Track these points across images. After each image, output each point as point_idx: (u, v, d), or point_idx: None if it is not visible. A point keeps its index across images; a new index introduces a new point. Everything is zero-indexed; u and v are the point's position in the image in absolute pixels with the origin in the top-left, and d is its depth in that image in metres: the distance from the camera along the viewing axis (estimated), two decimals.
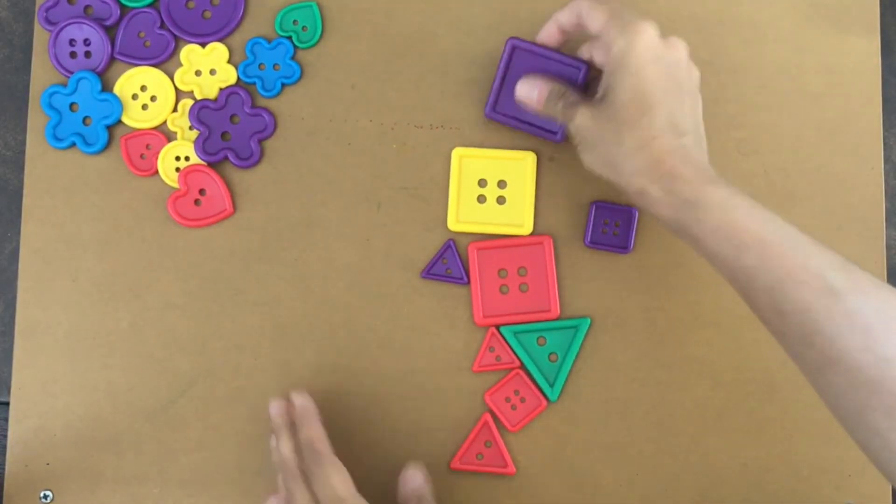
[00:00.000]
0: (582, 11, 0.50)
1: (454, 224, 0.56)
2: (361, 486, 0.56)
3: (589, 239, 0.55)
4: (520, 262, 0.55)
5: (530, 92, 0.52)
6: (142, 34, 0.58)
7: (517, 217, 0.56)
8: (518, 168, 0.56)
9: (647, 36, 0.47)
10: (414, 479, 0.50)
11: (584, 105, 0.50)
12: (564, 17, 0.52)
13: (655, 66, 0.47)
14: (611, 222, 0.55)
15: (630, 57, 0.47)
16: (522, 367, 0.55)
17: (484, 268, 0.56)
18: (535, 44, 0.54)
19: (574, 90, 0.51)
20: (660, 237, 0.56)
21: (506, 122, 0.55)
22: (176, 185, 0.57)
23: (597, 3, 0.50)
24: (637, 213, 0.55)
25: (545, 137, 0.55)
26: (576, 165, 0.56)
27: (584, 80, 0.53)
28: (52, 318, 0.57)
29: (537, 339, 0.55)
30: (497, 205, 0.56)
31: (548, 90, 0.52)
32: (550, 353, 0.55)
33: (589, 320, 0.55)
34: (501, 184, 0.56)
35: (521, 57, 0.54)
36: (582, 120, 0.49)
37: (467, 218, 0.56)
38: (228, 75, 0.57)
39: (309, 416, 0.50)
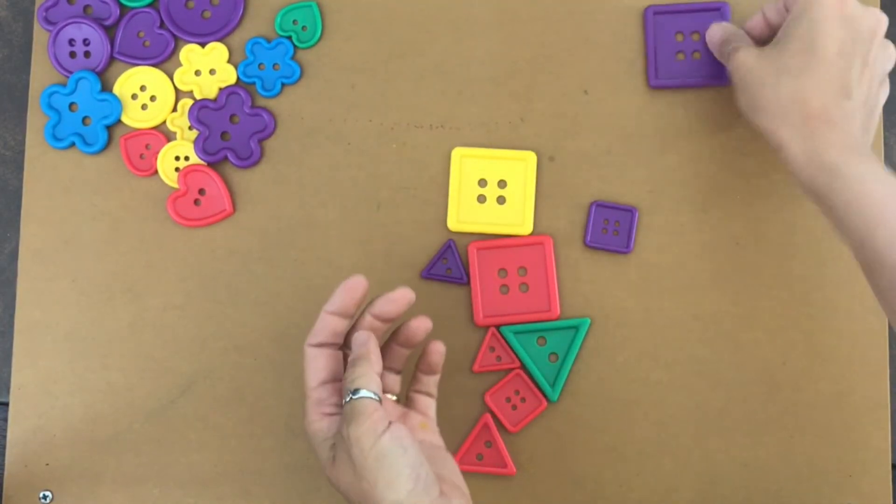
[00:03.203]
0: None
1: (454, 224, 0.56)
2: None
3: (589, 239, 0.55)
4: (520, 262, 0.55)
5: (714, 33, 0.53)
6: (141, 34, 0.58)
7: (517, 217, 0.56)
8: (518, 168, 0.56)
9: None
10: (355, 341, 0.46)
11: (750, 46, 0.50)
12: (770, 12, 0.52)
13: (838, 24, 0.47)
14: (611, 222, 0.55)
15: (814, 7, 0.47)
16: (522, 367, 0.55)
17: (484, 268, 0.56)
18: (669, 4, 0.56)
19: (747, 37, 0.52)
20: (660, 237, 0.56)
21: (672, 84, 0.56)
22: (175, 185, 0.57)
23: None
24: (637, 213, 0.55)
25: (713, 84, 0.56)
26: (576, 165, 0.56)
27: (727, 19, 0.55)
28: (52, 318, 0.57)
29: (537, 339, 0.55)
30: (497, 205, 0.56)
31: (725, 33, 0.52)
32: (550, 353, 0.55)
33: (589, 320, 0.55)
34: (501, 183, 0.56)
35: (661, 21, 0.56)
36: (745, 58, 0.49)
37: (467, 218, 0.56)
38: (228, 75, 0.57)
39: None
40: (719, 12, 0.56)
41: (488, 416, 0.55)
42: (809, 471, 0.54)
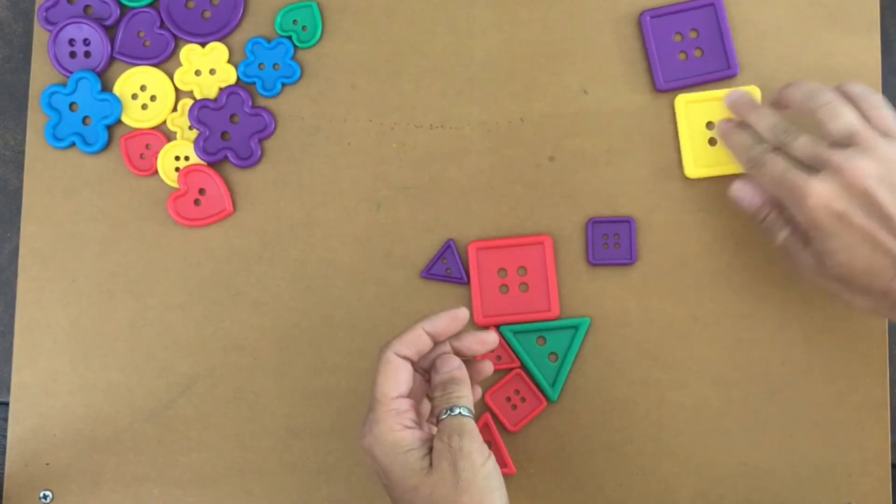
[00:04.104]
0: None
1: (691, 170, 0.55)
2: (364, 485, 0.56)
3: (592, 258, 0.55)
4: (520, 262, 0.55)
5: (747, 195, 0.51)
6: (141, 34, 0.58)
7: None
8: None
9: (820, 199, 0.46)
10: (449, 362, 0.48)
11: (807, 251, 0.49)
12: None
13: (845, 225, 0.46)
14: (610, 236, 0.55)
15: (818, 228, 0.47)
16: (522, 367, 0.55)
17: (484, 268, 0.56)
18: (663, 6, 0.56)
19: (779, 219, 0.50)
20: (660, 237, 0.56)
21: (679, 85, 0.56)
22: (176, 184, 0.57)
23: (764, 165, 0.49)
24: (635, 222, 0.55)
25: (721, 79, 0.56)
26: (576, 165, 0.56)
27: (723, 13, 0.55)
28: (52, 318, 0.57)
29: (537, 339, 0.55)
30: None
31: (760, 202, 0.51)
32: (550, 353, 0.55)
33: (589, 320, 0.55)
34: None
35: (659, 24, 0.56)
36: (807, 271, 0.49)
37: (705, 162, 0.55)
38: (228, 75, 0.57)
39: None
40: (713, 7, 0.56)
41: (488, 415, 0.55)
42: (809, 471, 0.54)
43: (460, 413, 0.45)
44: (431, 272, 0.56)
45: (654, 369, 0.55)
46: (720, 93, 0.55)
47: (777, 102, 0.52)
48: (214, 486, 0.56)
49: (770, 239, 0.51)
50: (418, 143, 0.57)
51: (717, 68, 0.56)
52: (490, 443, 0.55)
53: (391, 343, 0.47)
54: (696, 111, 0.56)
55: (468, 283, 0.56)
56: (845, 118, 0.48)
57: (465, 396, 0.46)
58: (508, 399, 0.55)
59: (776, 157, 0.49)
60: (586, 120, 0.57)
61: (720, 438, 0.55)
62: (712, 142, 0.56)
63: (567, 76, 0.57)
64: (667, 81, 0.56)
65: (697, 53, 0.56)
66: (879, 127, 0.48)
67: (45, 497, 0.56)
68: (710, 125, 0.56)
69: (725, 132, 0.53)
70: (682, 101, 0.56)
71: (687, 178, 0.56)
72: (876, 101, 0.49)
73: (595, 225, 0.55)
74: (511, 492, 0.55)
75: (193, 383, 0.56)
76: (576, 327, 0.55)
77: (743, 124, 0.53)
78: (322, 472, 0.56)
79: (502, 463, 0.55)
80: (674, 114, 0.56)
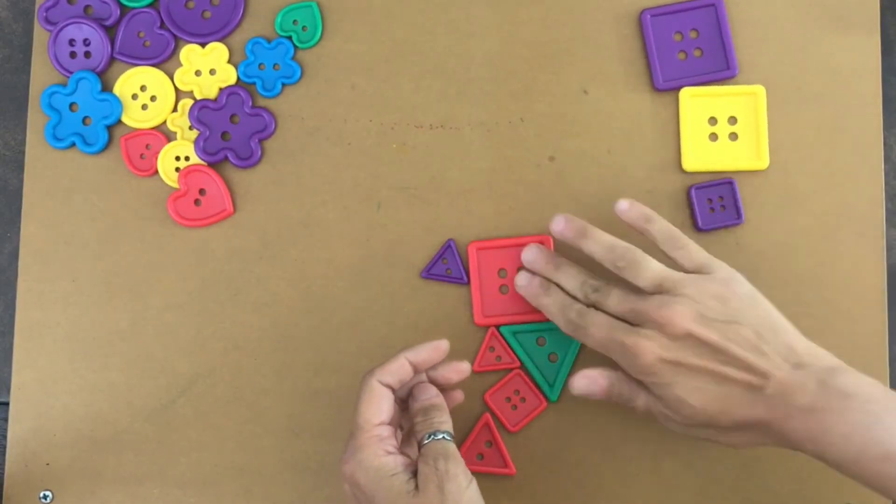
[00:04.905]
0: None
1: (690, 164, 0.55)
2: None
3: (700, 223, 0.55)
4: (519, 262, 0.55)
5: (589, 385, 0.50)
6: (141, 34, 0.58)
7: (753, 152, 0.56)
8: (748, 104, 0.56)
9: (651, 353, 0.46)
10: (427, 390, 0.50)
11: (666, 408, 0.48)
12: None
13: (683, 371, 0.46)
14: (714, 199, 0.55)
15: (660, 382, 0.47)
16: (522, 367, 0.55)
17: (484, 268, 0.56)
18: (663, 5, 0.56)
19: (631, 387, 0.49)
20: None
21: (678, 85, 0.56)
22: (176, 185, 0.57)
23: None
24: (736, 183, 0.55)
25: (720, 79, 0.56)
26: (576, 165, 0.57)
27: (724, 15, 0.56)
28: (52, 318, 0.57)
29: (537, 339, 0.55)
30: (730, 142, 0.56)
31: (607, 384, 0.50)
32: (550, 353, 0.55)
33: None
34: (732, 120, 0.56)
35: (659, 23, 0.56)
36: (675, 427, 0.49)
37: (704, 157, 0.55)
38: (228, 75, 0.57)
39: None
40: (714, 7, 0.56)
41: (488, 415, 0.55)
42: (809, 471, 0.54)
43: (444, 437, 0.46)
44: (431, 272, 0.56)
45: None
46: (724, 89, 0.56)
47: (566, 242, 0.52)
48: (214, 486, 0.56)
49: (631, 411, 0.50)
50: (418, 143, 0.57)
51: (717, 68, 0.56)
52: (490, 442, 0.55)
53: (374, 371, 0.48)
54: (700, 105, 0.56)
55: (468, 283, 0.56)
56: (649, 270, 0.48)
57: (446, 422, 0.48)
58: (508, 399, 0.55)
59: (598, 319, 0.49)
60: (586, 120, 0.57)
61: None
62: (713, 137, 0.56)
63: (567, 76, 0.57)
64: (666, 81, 0.56)
65: (697, 53, 0.56)
66: (686, 267, 0.49)
67: (45, 497, 0.56)
68: (711, 120, 0.56)
69: (534, 293, 0.52)
70: (687, 94, 0.56)
71: (686, 176, 0.56)
72: (676, 240, 0.49)
73: (698, 190, 0.55)
74: (511, 492, 0.55)
75: (193, 383, 0.56)
76: None
77: (545, 281, 0.52)
78: (322, 472, 0.56)
79: (502, 463, 0.55)
80: (674, 113, 0.56)
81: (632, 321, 0.48)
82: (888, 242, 0.56)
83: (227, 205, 0.57)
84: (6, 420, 0.57)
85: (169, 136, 0.57)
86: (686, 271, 0.49)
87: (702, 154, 0.56)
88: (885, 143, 0.57)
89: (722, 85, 0.56)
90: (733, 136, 0.56)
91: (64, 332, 0.57)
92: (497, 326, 0.55)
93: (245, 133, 0.57)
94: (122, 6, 0.58)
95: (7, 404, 0.57)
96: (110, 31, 0.58)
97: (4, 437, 0.57)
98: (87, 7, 0.58)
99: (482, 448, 0.55)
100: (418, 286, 0.56)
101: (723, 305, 0.47)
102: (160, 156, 0.57)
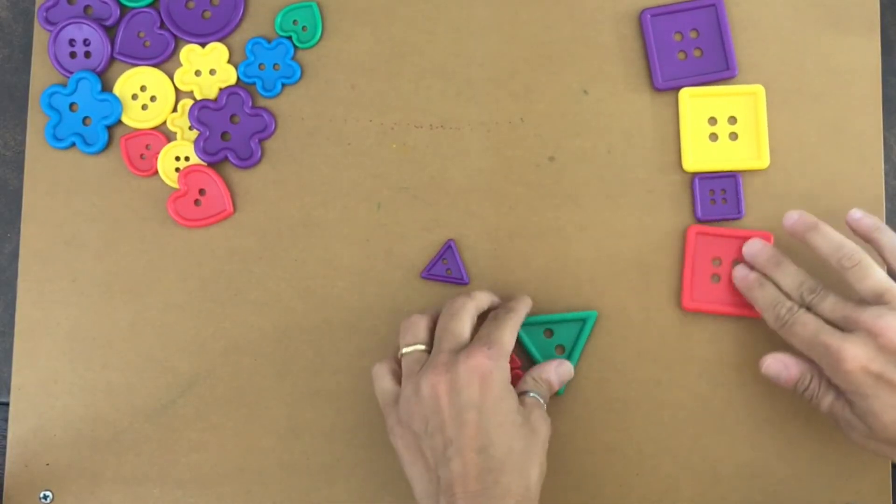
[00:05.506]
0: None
1: (690, 164, 0.55)
2: (366, 485, 0.56)
3: (700, 213, 0.55)
4: (736, 254, 0.54)
5: (781, 370, 0.50)
6: (141, 34, 0.58)
7: (753, 152, 0.55)
8: (748, 104, 0.56)
9: (856, 361, 0.46)
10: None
11: (854, 416, 0.48)
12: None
13: (884, 385, 0.46)
14: (717, 191, 0.55)
15: (858, 391, 0.46)
16: (523, 367, 0.55)
17: (700, 253, 0.55)
18: (664, 5, 0.56)
19: (823, 386, 0.49)
20: (660, 238, 0.56)
21: (677, 85, 0.56)
22: (176, 185, 0.57)
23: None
24: (741, 177, 0.55)
25: (720, 79, 0.56)
26: (576, 165, 0.57)
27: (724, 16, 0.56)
28: (52, 318, 0.57)
29: (544, 331, 0.55)
30: (730, 141, 0.56)
31: (798, 374, 0.50)
32: (557, 346, 0.55)
33: (596, 313, 0.55)
34: (732, 120, 0.56)
35: (659, 23, 0.56)
36: (858, 437, 0.48)
37: (704, 157, 0.55)
38: (228, 75, 0.57)
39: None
40: (714, 7, 0.56)
41: None
42: (809, 471, 0.54)
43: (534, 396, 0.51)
44: (431, 272, 0.56)
45: (654, 369, 0.55)
46: (724, 89, 0.55)
47: (794, 236, 0.52)
48: (214, 486, 0.56)
49: (814, 407, 0.50)
50: (418, 143, 0.57)
51: (717, 68, 0.56)
52: None
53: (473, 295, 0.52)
54: (700, 105, 0.56)
55: (468, 283, 0.56)
56: (874, 278, 0.48)
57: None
58: None
59: (806, 318, 0.48)
60: (586, 120, 0.57)
61: (720, 438, 0.55)
62: (713, 137, 0.56)
63: (567, 76, 0.57)
64: (666, 81, 0.56)
65: (697, 53, 0.56)
66: None
67: (45, 497, 0.56)
68: (711, 120, 0.56)
69: (749, 285, 0.52)
70: (686, 94, 0.56)
71: (687, 179, 0.56)
72: None
73: (702, 181, 0.55)
74: None
75: (193, 383, 0.56)
76: (583, 320, 0.55)
77: (762, 277, 0.52)
78: (322, 472, 0.56)
79: None
80: (674, 113, 0.56)
81: (842, 328, 0.47)
82: None
83: (227, 205, 0.57)
84: (6, 420, 0.57)
85: (169, 137, 0.57)
86: None
87: (702, 154, 0.56)
88: (885, 143, 0.57)
89: (722, 85, 0.56)
90: (733, 136, 0.56)
91: (64, 332, 0.57)
92: None
93: (245, 133, 0.57)
94: (122, 6, 0.58)
95: (7, 404, 0.57)
96: (110, 31, 0.58)
97: (4, 437, 0.57)
98: (87, 7, 0.58)
99: None
100: (418, 286, 0.56)
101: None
102: (160, 156, 0.57)
